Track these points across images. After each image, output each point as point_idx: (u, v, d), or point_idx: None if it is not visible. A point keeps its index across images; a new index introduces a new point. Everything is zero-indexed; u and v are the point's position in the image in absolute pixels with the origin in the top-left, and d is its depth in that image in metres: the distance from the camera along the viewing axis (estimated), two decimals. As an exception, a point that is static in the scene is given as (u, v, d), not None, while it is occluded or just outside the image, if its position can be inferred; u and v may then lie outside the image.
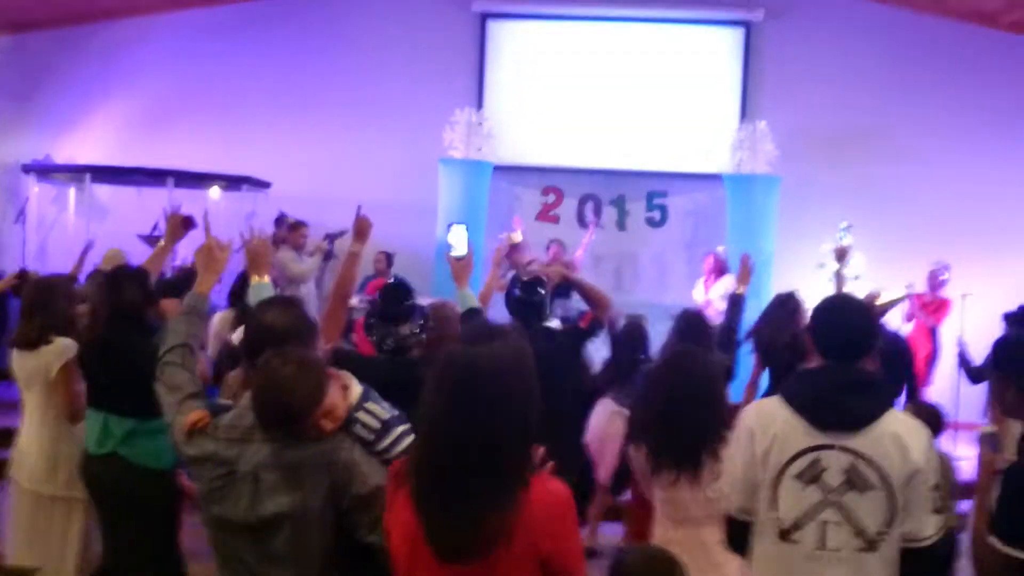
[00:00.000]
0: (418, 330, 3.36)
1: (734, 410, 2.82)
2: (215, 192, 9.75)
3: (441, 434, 1.88)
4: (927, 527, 2.22)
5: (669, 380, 3.27)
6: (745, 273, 4.51)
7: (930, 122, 9.93)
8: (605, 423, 5.04)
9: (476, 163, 9.68)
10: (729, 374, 4.14)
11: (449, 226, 3.65)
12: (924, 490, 2.23)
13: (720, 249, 8.89)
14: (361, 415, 2.40)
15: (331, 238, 8.81)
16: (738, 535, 2.47)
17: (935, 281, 8.53)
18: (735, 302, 4.41)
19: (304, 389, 2.20)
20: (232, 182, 9.70)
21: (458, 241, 3.53)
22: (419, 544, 1.89)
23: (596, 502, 5.51)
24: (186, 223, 4.11)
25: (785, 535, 2.33)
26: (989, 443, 2.62)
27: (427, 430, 1.92)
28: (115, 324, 3.71)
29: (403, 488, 1.94)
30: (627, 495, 5.20)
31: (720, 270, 8.61)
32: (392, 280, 3.72)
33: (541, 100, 10.39)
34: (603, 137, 10.22)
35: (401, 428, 2.43)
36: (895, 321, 8.12)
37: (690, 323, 4.58)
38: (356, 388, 2.45)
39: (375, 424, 2.40)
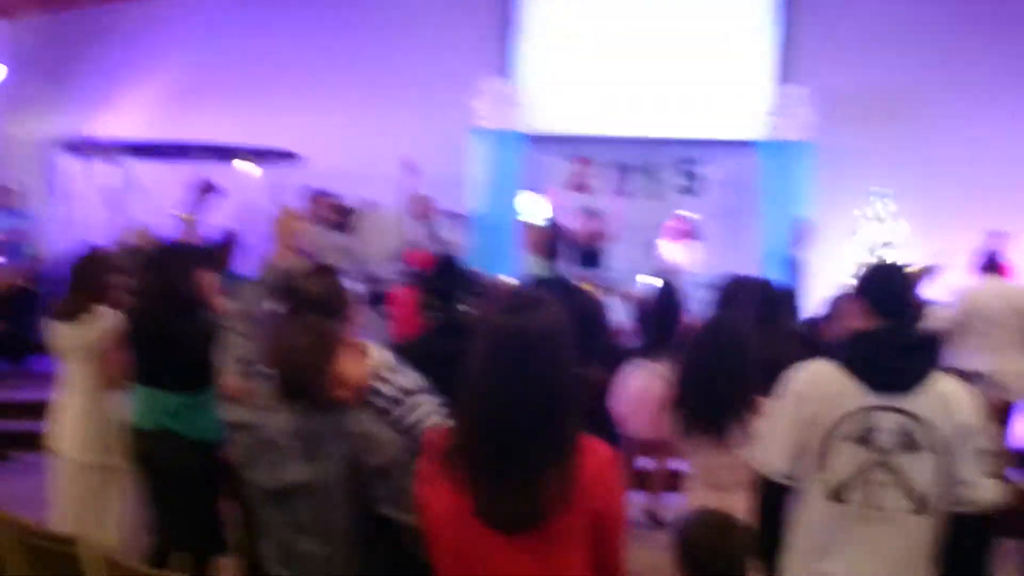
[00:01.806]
0: (465, 304, 3.37)
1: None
2: (245, 166, 9.79)
3: (494, 405, 1.87)
4: (980, 490, 2.20)
5: (704, 346, 3.28)
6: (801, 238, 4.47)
7: (975, 86, 9.72)
8: (643, 385, 5.05)
9: (506, 133, 9.63)
10: (806, 341, 4.12)
11: (521, 195, 3.63)
12: (974, 452, 2.21)
13: (687, 213, 8.92)
14: (377, 384, 2.40)
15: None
16: (774, 499, 2.45)
17: (990, 249, 8.38)
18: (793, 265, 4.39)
19: (310, 358, 2.22)
20: (262, 156, 9.73)
21: (534, 209, 3.53)
22: (466, 519, 1.88)
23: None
24: (209, 189, 4.12)
25: (834, 495, 2.32)
26: (987, 384, 2.62)
27: (478, 401, 1.90)
28: (163, 302, 3.76)
29: (444, 462, 1.92)
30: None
31: (688, 234, 8.74)
32: (444, 255, 3.72)
33: (573, 68, 10.30)
34: (635, 105, 10.12)
35: (420, 398, 2.43)
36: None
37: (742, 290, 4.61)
38: (376, 357, 2.45)
39: (391, 393, 2.40)
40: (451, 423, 2.03)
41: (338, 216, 8.56)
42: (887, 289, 2.44)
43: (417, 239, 7.69)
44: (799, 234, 4.46)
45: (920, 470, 2.24)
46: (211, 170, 8.33)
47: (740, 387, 3.14)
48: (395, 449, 2.25)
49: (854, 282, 2.59)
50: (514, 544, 1.88)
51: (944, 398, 2.24)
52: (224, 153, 9.49)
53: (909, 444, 2.24)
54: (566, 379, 1.91)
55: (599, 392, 4.61)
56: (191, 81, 10.54)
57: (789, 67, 9.99)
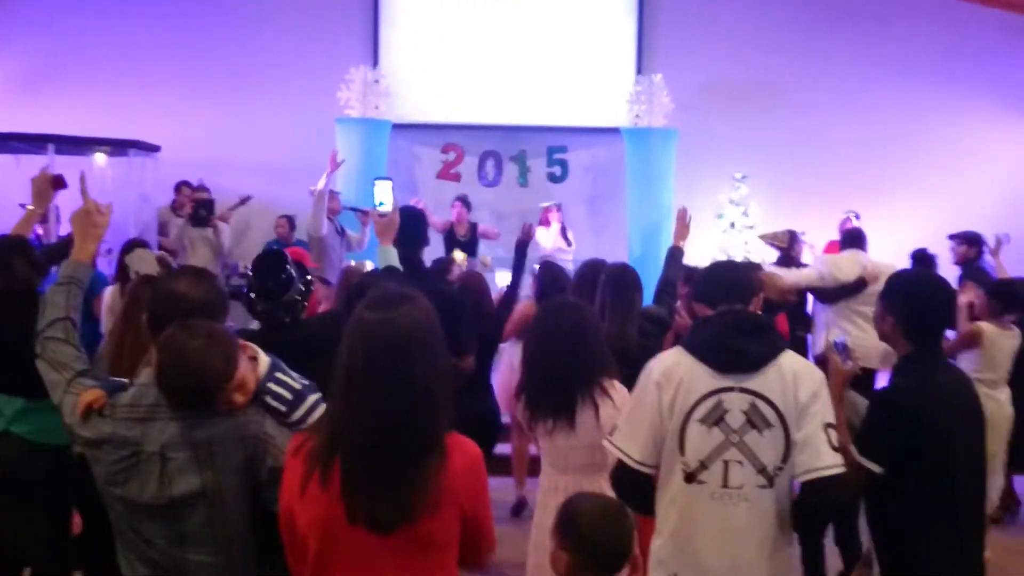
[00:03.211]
0: (301, 295, 3.27)
1: None
2: (100, 158, 9.35)
3: (362, 404, 1.85)
4: (823, 458, 2.30)
5: (542, 330, 3.31)
6: (683, 227, 4.53)
7: (825, 74, 10.20)
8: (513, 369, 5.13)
9: (374, 122, 9.52)
10: (665, 325, 4.21)
11: (374, 181, 3.55)
12: (817, 425, 2.31)
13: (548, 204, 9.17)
14: (272, 386, 2.33)
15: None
16: (632, 485, 2.52)
17: (847, 228, 8.83)
18: (674, 255, 4.45)
19: (215, 363, 2.12)
20: (118, 147, 9.32)
21: (384, 197, 3.45)
22: (336, 521, 1.86)
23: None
24: (55, 183, 3.85)
25: (691, 477, 2.40)
26: (840, 352, 2.75)
27: (346, 400, 1.88)
28: (2, 299, 3.52)
29: (311, 464, 1.89)
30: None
31: (560, 221, 8.98)
32: (268, 250, 3.60)
33: (438, 56, 10.28)
34: (502, 93, 10.18)
35: (313, 397, 2.38)
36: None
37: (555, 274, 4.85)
38: (264, 359, 2.39)
39: (287, 395, 2.34)
40: (312, 429, 2.00)
41: (200, 209, 8.25)
42: (720, 275, 2.58)
43: (318, 234, 7.43)
44: (682, 224, 4.56)
45: (768, 446, 2.34)
46: (64, 162, 7.95)
47: (584, 370, 3.19)
48: None
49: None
50: (385, 544, 1.87)
51: (788, 375, 2.34)
52: (75, 144, 9.02)
53: (757, 422, 2.34)
54: (435, 376, 1.89)
55: (474, 380, 4.60)
56: (41, 69, 10.00)
57: (649, 56, 10.23)
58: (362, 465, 1.84)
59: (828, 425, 2.33)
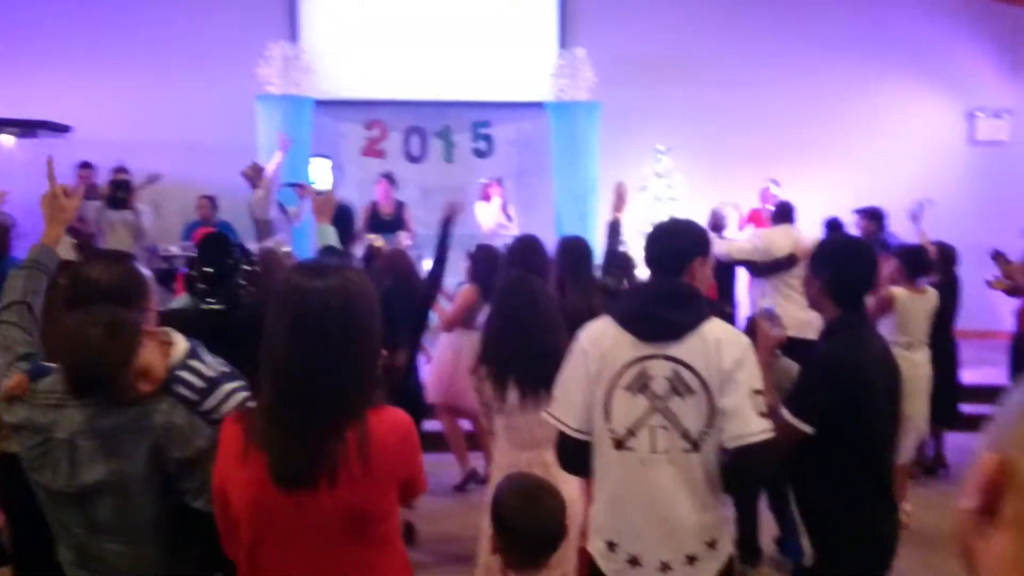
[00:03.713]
0: (245, 282, 3.24)
1: None
2: (8, 139, 9.02)
3: (283, 367, 1.86)
4: (748, 426, 2.34)
5: (508, 305, 3.33)
6: (620, 201, 4.60)
7: (744, 45, 10.32)
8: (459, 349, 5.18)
9: (295, 99, 9.37)
10: (616, 295, 4.26)
11: (309, 159, 3.50)
12: (743, 392, 2.35)
13: (487, 179, 9.13)
14: (184, 374, 2.27)
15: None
16: (573, 453, 2.55)
17: (767, 195, 9.04)
18: (614, 228, 4.53)
19: (112, 350, 2.06)
20: (27, 128, 8.99)
21: (321, 175, 3.40)
22: (269, 493, 1.85)
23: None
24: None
25: (620, 444, 2.44)
26: (768, 319, 2.84)
27: (280, 365, 1.87)
28: None
29: (247, 438, 1.88)
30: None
31: (500, 196, 8.92)
32: (212, 233, 3.54)
33: (360, 31, 10.12)
34: (426, 68, 10.09)
35: (230, 386, 2.32)
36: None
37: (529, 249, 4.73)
38: (181, 345, 2.32)
39: (199, 383, 2.27)
40: (247, 408, 1.98)
41: (118, 191, 8.01)
42: (656, 243, 2.59)
43: (266, 216, 7.32)
44: (620, 197, 4.64)
45: (692, 412, 2.38)
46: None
47: (552, 342, 3.21)
48: (204, 440, 2.14)
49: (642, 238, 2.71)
50: (319, 519, 1.87)
51: (712, 343, 2.38)
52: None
53: (680, 389, 2.38)
54: (367, 342, 1.91)
55: (407, 363, 4.61)
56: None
57: (571, 30, 10.24)
58: (286, 428, 1.85)
59: (755, 391, 2.37)
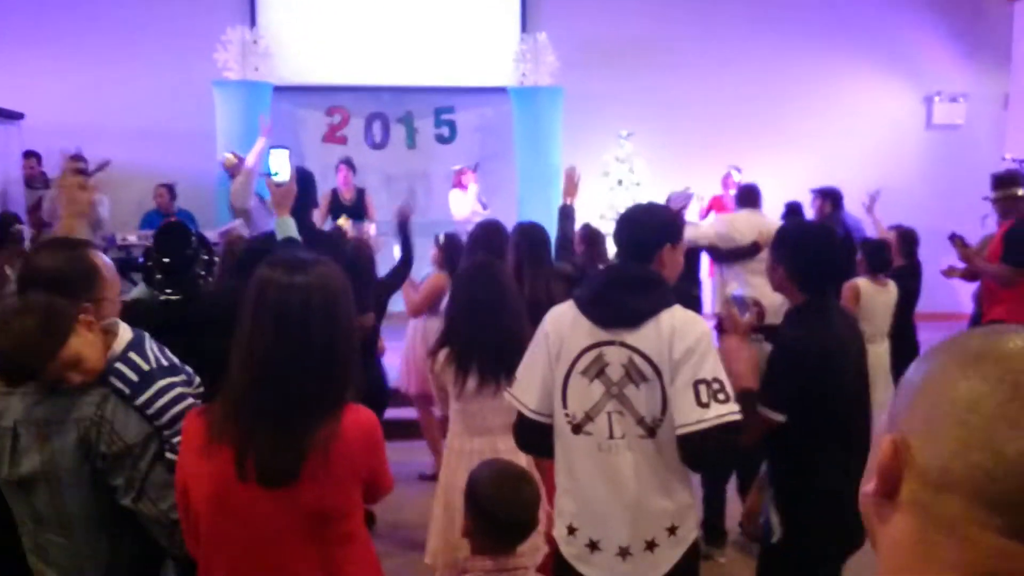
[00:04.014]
0: (204, 272, 3.18)
1: None
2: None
3: (272, 363, 1.84)
4: (689, 414, 2.30)
5: (477, 289, 3.31)
6: (573, 185, 4.60)
7: (705, 30, 10.36)
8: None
9: (253, 84, 9.24)
10: (572, 281, 4.25)
11: (269, 150, 3.43)
12: (686, 381, 2.32)
13: (460, 166, 9.02)
14: (120, 366, 2.21)
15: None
16: (530, 434, 2.55)
17: (729, 182, 9.09)
18: (566, 213, 4.53)
19: (35, 339, 2.02)
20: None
21: (280, 166, 3.34)
22: (230, 487, 1.83)
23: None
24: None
25: (577, 429, 2.44)
26: (738, 305, 2.84)
27: (247, 364, 1.85)
28: None
29: (211, 434, 1.85)
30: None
31: (473, 183, 8.81)
32: (169, 222, 3.48)
33: (319, 15, 9.99)
34: (387, 53, 9.99)
35: (166, 380, 2.26)
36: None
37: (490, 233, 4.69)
38: (124, 336, 2.27)
39: (133, 376, 2.21)
40: (211, 402, 1.94)
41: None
42: (622, 229, 2.57)
43: (246, 206, 7.18)
44: (571, 182, 4.64)
45: (646, 399, 2.38)
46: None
47: (502, 329, 3.21)
48: (135, 436, 2.11)
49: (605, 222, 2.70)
50: (280, 514, 1.85)
51: (665, 331, 2.36)
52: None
53: (635, 376, 2.38)
54: (344, 341, 1.91)
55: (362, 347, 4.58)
56: None
57: (533, 15, 10.20)
58: (261, 424, 1.82)
59: (699, 381, 2.32)
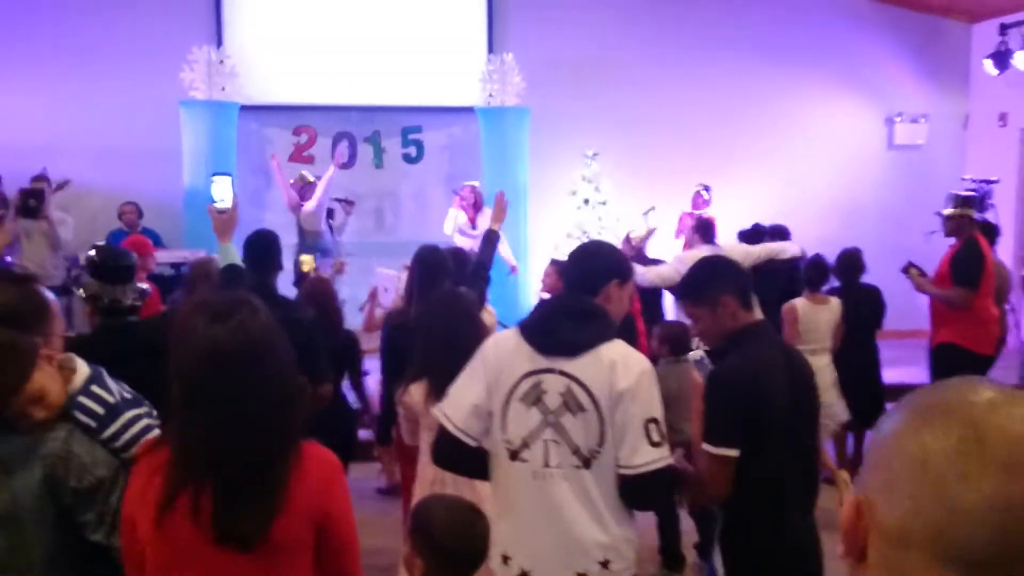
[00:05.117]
0: (138, 295, 3.16)
1: None
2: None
3: (207, 418, 1.78)
4: (637, 456, 2.33)
5: (448, 322, 3.33)
6: (500, 210, 4.56)
7: (670, 50, 10.42)
8: None
9: (220, 104, 9.21)
10: (475, 307, 4.25)
11: (212, 177, 3.43)
12: (634, 419, 2.34)
13: (475, 183, 8.98)
14: (84, 400, 2.20)
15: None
16: (447, 450, 2.54)
17: (698, 201, 9.15)
18: (489, 239, 4.46)
19: (2, 374, 2.00)
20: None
21: (222, 193, 3.34)
22: (185, 535, 1.79)
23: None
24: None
25: (514, 455, 2.45)
26: (700, 368, 2.83)
27: (189, 414, 1.80)
28: None
29: (158, 477, 1.81)
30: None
31: (477, 204, 8.72)
32: (102, 246, 3.48)
33: (286, 35, 9.98)
34: (354, 73, 9.99)
35: (132, 412, 2.25)
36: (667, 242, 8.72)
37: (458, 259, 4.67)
38: (83, 371, 2.26)
39: (99, 410, 2.20)
40: (163, 437, 1.91)
41: (29, 199, 7.72)
42: (573, 263, 2.62)
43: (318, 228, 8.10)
44: (500, 207, 4.62)
45: (582, 430, 2.38)
46: None
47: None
48: (104, 470, 2.08)
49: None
50: (237, 557, 1.81)
51: (607, 364, 2.37)
52: None
53: (572, 405, 2.38)
54: (281, 383, 1.84)
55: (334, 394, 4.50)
56: None
57: (499, 35, 10.24)
58: (204, 480, 1.78)
59: (649, 420, 2.35)
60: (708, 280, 2.83)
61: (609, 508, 2.41)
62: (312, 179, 8.60)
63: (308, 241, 8.16)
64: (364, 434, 5.78)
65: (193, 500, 1.78)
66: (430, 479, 3.32)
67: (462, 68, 10.03)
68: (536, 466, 2.41)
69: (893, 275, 6.39)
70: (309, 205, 8.25)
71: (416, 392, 3.32)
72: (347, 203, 8.79)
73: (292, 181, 8.73)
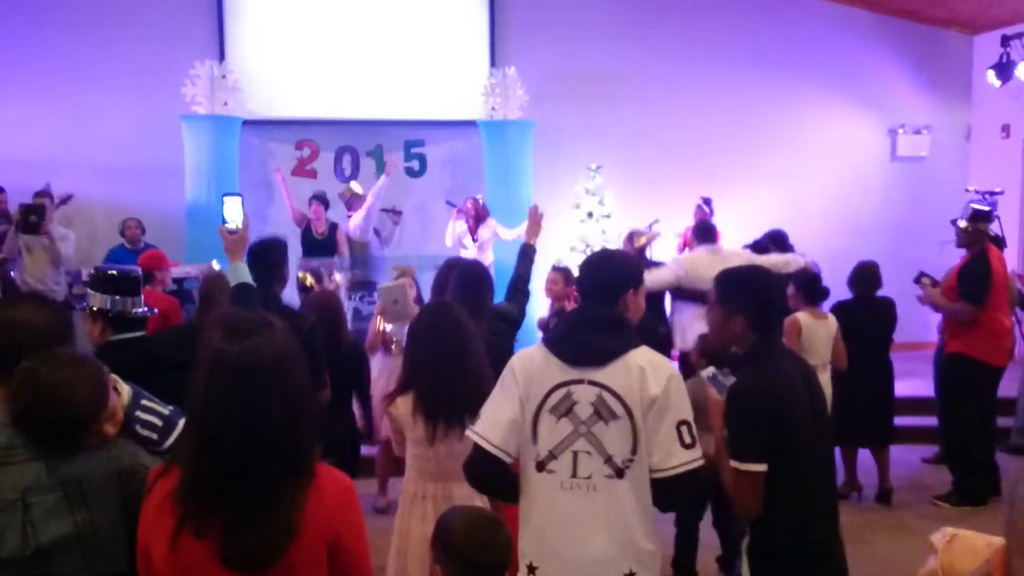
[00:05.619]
0: (143, 309, 3.15)
1: None
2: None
3: (224, 439, 1.75)
4: (672, 458, 2.36)
5: (436, 335, 3.28)
6: (535, 224, 4.48)
7: (671, 62, 10.45)
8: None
9: (223, 119, 9.21)
10: (516, 323, 4.21)
11: (222, 197, 3.41)
12: (667, 423, 2.37)
13: (479, 196, 8.97)
14: (141, 414, 2.22)
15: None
16: (486, 470, 2.53)
17: (700, 215, 9.11)
18: (527, 253, 4.37)
19: (87, 393, 1.98)
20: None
21: (233, 214, 3.32)
22: (199, 559, 1.75)
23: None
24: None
25: (541, 466, 2.45)
26: (713, 384, 2.82)
27: (205, 435, 1.77)
28: None
29: (171, 503, 1.78)
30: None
31: (479, 216, 8.68)
32: (104, 267, 3.47)
33: (288, 49, 9.99)
34: (357, 86, 9.99)
35: (182, 422, 2.24)
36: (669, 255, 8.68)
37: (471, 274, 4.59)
38: (125, 387, 2.27)
39: (157, 422, 2.23)
40: (172, 460, 1.88)
41: (30, 215, 7.69)
42: (590, 273, 2.62)
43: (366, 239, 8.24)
44: (534, 221, 4.54)
45: (615, 438, 2.39)
46: None
47: (469, 373, 3.19)
48: None
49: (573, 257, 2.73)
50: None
51: (635, 370, 2.40)
52: None
53: (605, 414, 2.40)
54: (297, 405, 1.82)
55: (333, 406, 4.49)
56: None
57: (502, 49, 10.25)
58: (218, 503, 1.75)
59: (681, 422, 2.38)
60: (730, 289, 2.81)
61: (638, 519, 2.42)
62: (360, 191, 8.68)
63: (356, 253, 8.28)
64: (367, 450, 5.76)
65: (205, 524, 1.75)
66: (411, 494, 3.30)
67: (465, 82, 10.03)
68: (564, 476, 2.42)
69: (897, 287, 6.37)
70: (356, 217, 8.34)
71: (403, 405, 3.29)
72: (394, 213, 8.78)
73: (339, 193, 8.81)
